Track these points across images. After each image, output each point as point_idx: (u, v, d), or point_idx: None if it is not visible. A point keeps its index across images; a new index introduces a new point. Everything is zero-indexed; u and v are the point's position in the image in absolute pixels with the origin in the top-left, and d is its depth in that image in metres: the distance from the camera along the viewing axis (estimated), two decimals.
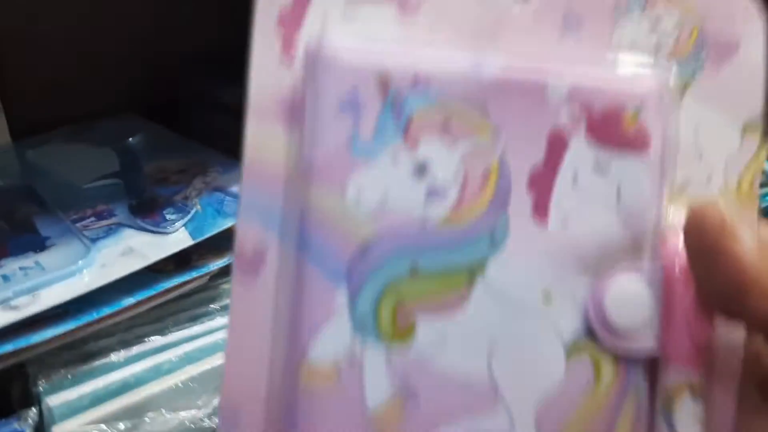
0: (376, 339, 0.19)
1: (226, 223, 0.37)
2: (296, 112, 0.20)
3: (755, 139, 0.22)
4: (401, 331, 0.20)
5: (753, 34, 0.22)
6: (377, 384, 0.19)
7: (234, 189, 0.40)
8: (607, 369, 0.20)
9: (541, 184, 0.20)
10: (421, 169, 0.20)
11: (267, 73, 0.20)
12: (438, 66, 0.20)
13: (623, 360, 0.20)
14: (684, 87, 0.22)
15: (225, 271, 0.39)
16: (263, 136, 0.20)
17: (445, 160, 0.20)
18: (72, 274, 0.34)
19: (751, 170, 0.22)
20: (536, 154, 0.20)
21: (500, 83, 0.20)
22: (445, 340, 0.20)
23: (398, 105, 0.20)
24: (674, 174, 0.21)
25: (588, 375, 0.20)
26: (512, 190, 0.20)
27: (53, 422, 0.31)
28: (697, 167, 0.21)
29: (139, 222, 0.37)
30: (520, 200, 0.20)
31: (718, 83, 0.22)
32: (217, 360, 0.36)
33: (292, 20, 0.20)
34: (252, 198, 0.20)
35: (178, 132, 0.49)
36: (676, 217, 0.20)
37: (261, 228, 0.20)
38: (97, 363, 0.34)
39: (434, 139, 0.20)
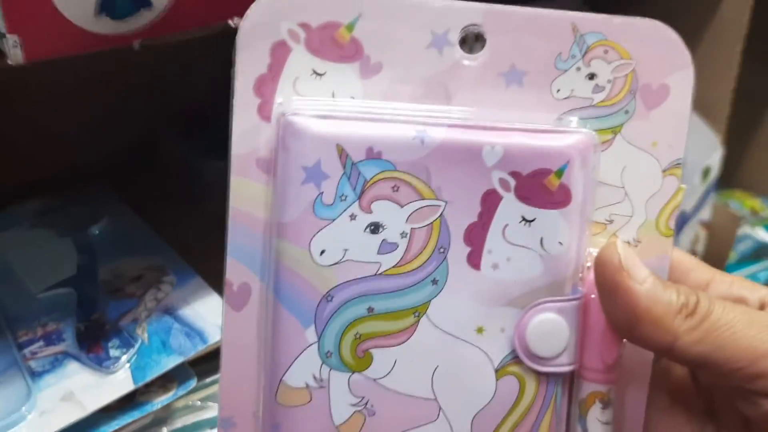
0: (339, 367, 0.23)
1: (170, 362, 0.37)
2: (272, 166, 0.23)
3: (675, 180, 0.24)
4: (360, 361, 0.23)
5: (683, 80, 0.24)
6: (341, 403, 0.23)
7: (184, 312, 0.40)
8: (530, 385, 0.24)
9: (476, 236, 0.23)
10: (374, 228, 0.23)
11: (246, 133, 0.23)
12: (387, 138, 0.23)
13: (544, 378, 0.24)
14: (616, 130, 0.24)
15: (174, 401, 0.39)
16: (244, 189, 0.23)
17: (394, 219, 0.23)
18: (14, 424, 0.34)
19: (669, 208, 0.24)
20: (472, 211, 0.23)
21: (440, 152, 0.23)
22: (396, 367, 0.23)
23: (354, 174, 0.23)
24: (595, 213, 0.24)
25: (514, 390, 0.24)
26: (451, 242, 0.23)
27: None
28: (621, 205, 0.24)
29: (83, 356, 0.37)
30: (458, 250, 0.23)
31: (646, 128, 0.24)
32: None
33: (267, 84, 0.23)
34: (236, 243, 0.23)
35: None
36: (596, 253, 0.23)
37: (245, 268, 0.23)
38: None
39: (385, 202, 0.23)
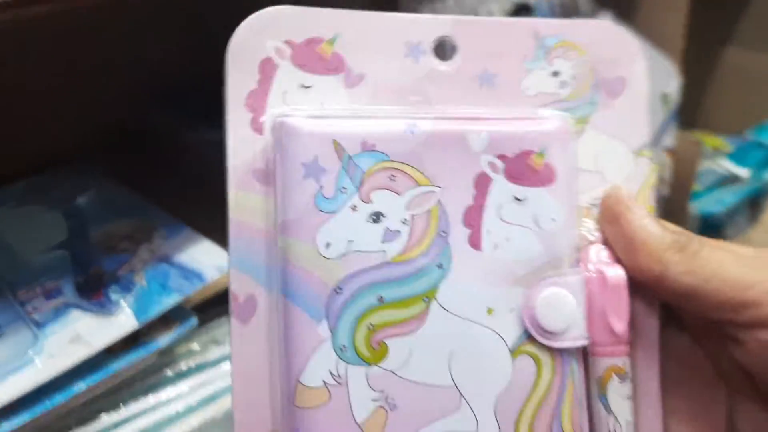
0: (355, 361, 0.23)
1: (171, 301, 0.38)
2: (268, 176, 0.24)
3: (647, 161, 0.26)
4: (375, 353, 0.23)
5: (638, 72, 0.26)
6: (362, 399, 0.23)
7: (179, 259, 0.41)
8: (547, 364, 0.24)
9: (473, 218, 0.24)
10: (376, 217, 0.23)
11: (240, 146, 0.24)
12: (379, 131, 0.24)
13: (559, 355, 0.24)
14: (585, 120, 0.26)
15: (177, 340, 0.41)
16: (242, 200, 0.24)
17: (394, 207, 0.24)
18: (23, 366, 0.35)
19: (646, 187, 0.26)
20: (467, 194, 0.24)
21: (430, 141, 0.24)
22: (412, 356, 0.23)
23: (352, 166, 0.23)
24: (580, 196, 0.25)
25: (531, 370, 0.24)
26: (450, 225, 0.24)
27: None
28: (601, 189, 0.26)
29: (84, 304, 0.38)
30: (458, 233, 0.24)
31: (612, 116, 0.26)
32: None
33: (257, 99, 0.24)
34: (239, 254, 0.24)
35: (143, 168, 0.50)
36: (589, 232, 0.25)
37: (250, 279, 0.24)
38: None
39: (384, 191, 0.24)
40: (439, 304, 0.24)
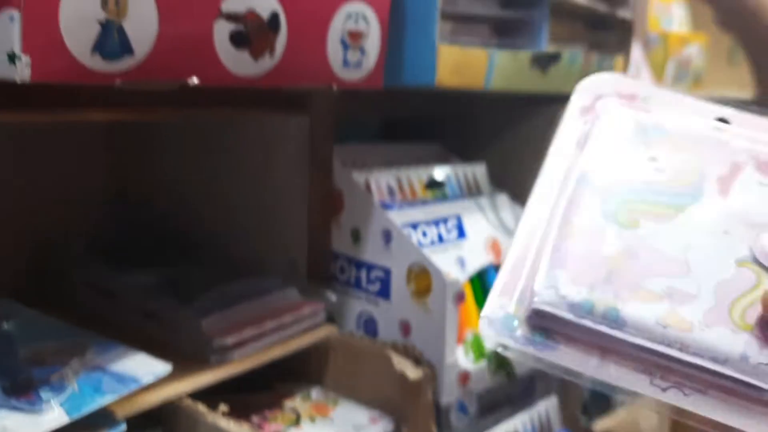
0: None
1: (105, 401, 0.38)
2: None
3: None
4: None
5: None
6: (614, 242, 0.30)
7: (113, 368, 0.42)
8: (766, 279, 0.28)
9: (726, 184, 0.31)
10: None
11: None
12: None
13: None
14: None
15: None
16: None
17: None
18: None
19: None
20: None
21: None
22: (659, 233, 0.30)
23: None
24: None
25: (752, 278, 0.29)
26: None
27: None
28: None
29: (13, 402, 0.37)
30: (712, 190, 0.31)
31: None
32: None
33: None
34: None
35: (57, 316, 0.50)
36: None
37: None
38: None
39: None
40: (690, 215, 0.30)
